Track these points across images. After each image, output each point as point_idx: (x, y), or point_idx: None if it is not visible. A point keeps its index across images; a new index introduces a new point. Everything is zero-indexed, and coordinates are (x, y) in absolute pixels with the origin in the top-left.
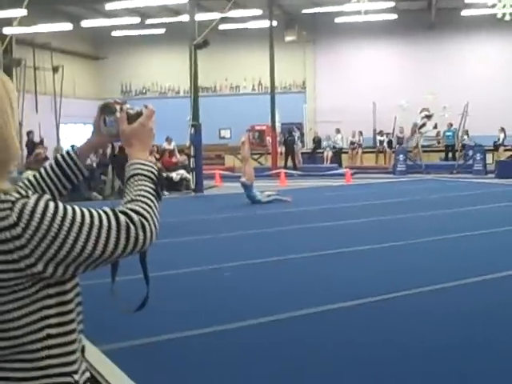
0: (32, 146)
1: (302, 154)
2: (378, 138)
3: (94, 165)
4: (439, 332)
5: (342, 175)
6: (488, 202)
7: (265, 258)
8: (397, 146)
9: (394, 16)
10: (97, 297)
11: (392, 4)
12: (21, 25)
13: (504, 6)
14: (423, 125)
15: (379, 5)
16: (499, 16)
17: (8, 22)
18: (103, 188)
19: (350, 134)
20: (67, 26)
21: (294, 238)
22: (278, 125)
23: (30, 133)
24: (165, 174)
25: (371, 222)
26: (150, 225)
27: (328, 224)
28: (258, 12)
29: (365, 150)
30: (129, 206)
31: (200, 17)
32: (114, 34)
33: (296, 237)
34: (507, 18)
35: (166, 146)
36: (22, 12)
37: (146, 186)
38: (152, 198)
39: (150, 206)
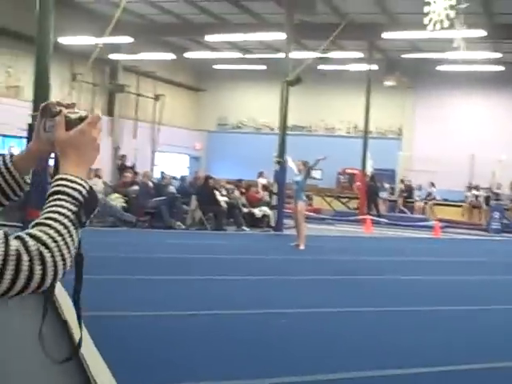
0: (123, 169)
1: (391, 201)
2: (474, 192)
3: (175, 192)
4: None
5: (431, 227)
6: None
7: (327, 308)
8: (493, 202)
9: (500, 68)
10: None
11: (499, 55)
12: (127, 52)
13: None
14: None
15: (484, 55)
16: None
17: (116, 48)
18: (186, 217)
19: (444, 185)
20: (171, 56)
21: (364, 288)
22: (370, 170)
23: (122, 157)
24: (246, 210)
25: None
26: (53, 256)
27: (405, 278)
28: (359, 55)
29: (457, 204)
30: (30, 230)
31: (298, 55)
32: (215, 67)
33: (365, 288)
34: (437, 26)
35: (260, 180)
36: (128, 39)
37: (63, 207)
38: (67, 223)
39: (59, 234)
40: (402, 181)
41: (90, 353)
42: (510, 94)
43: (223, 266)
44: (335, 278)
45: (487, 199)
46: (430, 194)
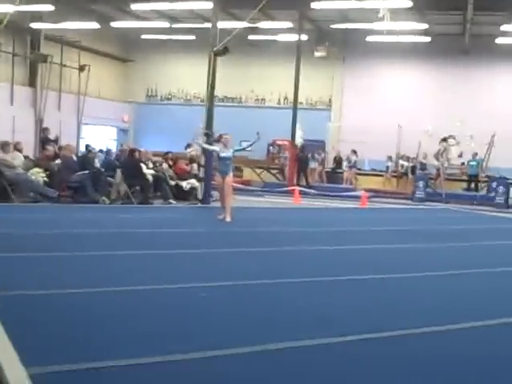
0: (46, 142)
1: (332, 172)
2: (401, 162)
3: (99, 166)
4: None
5: (358, 197)
6: (501, 238)
7: (242, 281)
8: (419, 172)
9: (427, 39)
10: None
11: (425, 26)
12: (50, 21)
13: None
14: (444, 150)
15: (412, 25)
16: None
17: (37, 17)
18: (110, 191)
19: (373, 155)
20: (95, 25)
21: (285, 260)
22: (300, 141)
23: (45, 129)
24: (173, 182)
25: (369, 249)
26: None
27: (326, 248)
28: (289, 25)
29: (394, 175)
30: None
31: (227, 25)
32: (144, 36)
33: (289, 259)
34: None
35: (190, 152)
36: (49, 7)
37: None
38: None
39: None
40: (354, 151)
41: None
42: (436, 65)
43: (144, 241)
44: (261, 249)
45: (413, 169)
46: (352, 162)
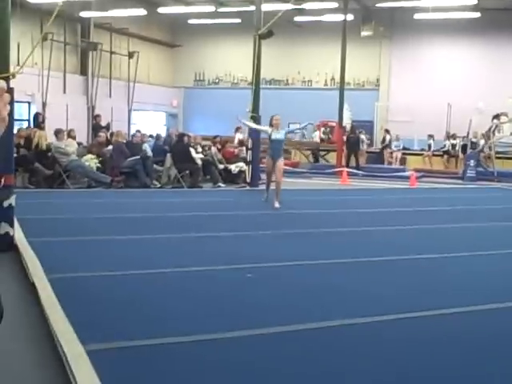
0: (97, 129)
1: (371, 153)
2: (451, 141)
3: (149, 152)
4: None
5: (408, 178)
6: None
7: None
8: (470, 150)
9: (477, 14)
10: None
11: (475, 1)
12: (98, 9)
13: None
14: (495, 128)
15: (459, 1)
16: None
17: (86, 5)
18: (161, 176)
19: (423, 134)
20: (143, 12)
21: (330, 240)
22: (348, 122)
23: (97, 116)
24: (222, 166)
25: (418, 229)
26: None
27: (372, 229)
28: (334, 5)
29: (436, 154)
30: None
31: (272, 7)
32: (190, 21)
33: (335, 240)
34: None
35: (237, 135)
36: None
37: None
38: None
39: None
40: (387, 130)
41: (54, 311)
42: (486, 41)
43: (195, 223)
44: (308, 231)
45: (464, 148)
46: (386, 142)
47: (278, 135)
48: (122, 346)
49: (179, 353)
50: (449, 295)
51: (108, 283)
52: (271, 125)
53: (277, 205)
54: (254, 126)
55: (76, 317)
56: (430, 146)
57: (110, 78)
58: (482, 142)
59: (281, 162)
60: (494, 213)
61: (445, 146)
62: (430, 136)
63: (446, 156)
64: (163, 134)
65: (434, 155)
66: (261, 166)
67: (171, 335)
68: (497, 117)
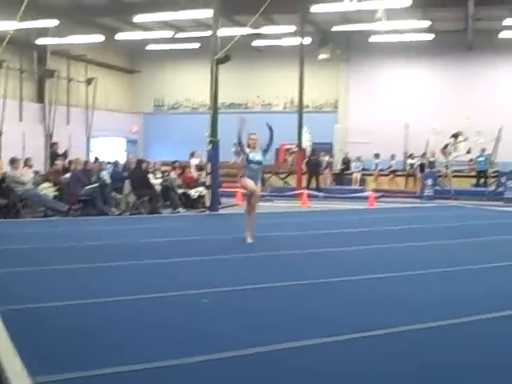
0: (54, 157)
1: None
2: (409, 161)
3: (108, 179)
4: None
5: (366, 198)
6: (506, 233)
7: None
8: (427, 170)
9: (431, 36)
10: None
11: (428, 23)
12: (55, 36)
13: None
14: (451, 145)
15: (414, 23)
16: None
17: (43, 32)
18: (120, 203)
19: (382, 155)
20: (101, 38)
21: (286, 263)
22: (308, 144)
23: (53, 144)
24: (181, 191)
25: (369, 250)
26: None
27: (331, 250)
28: (292, 29)
29: (395, 174)
30: None
31: (229, 32)
32: (149, 47)
33: (294, 261)
34: None
35: (192, 161)
36: (54, 22)
37: None
38: None
39: None
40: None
41: (2, 343)
42: (441, 62)
43: (150, 250)
44: (267, 254)
45: (421, 167)
46: (376, 165)
47: (257, 156)
48: (73, 377)
49: (133, 381)
50: (397, 313)
51: (60, 313)
52: (248, 145)
53: (249, 239)
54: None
55: (25, 348)
56: (376, 166)
57: (68, 105)
58: (442, 159)
59: (259, 187)
60: (451, 231)
61: (412, 165)
62: (376, 155)
63: (392, 175)
64: (123, 161)
65: (380, 175)
66: (220, 190)
67: (125, 364)
68: (455, 136)
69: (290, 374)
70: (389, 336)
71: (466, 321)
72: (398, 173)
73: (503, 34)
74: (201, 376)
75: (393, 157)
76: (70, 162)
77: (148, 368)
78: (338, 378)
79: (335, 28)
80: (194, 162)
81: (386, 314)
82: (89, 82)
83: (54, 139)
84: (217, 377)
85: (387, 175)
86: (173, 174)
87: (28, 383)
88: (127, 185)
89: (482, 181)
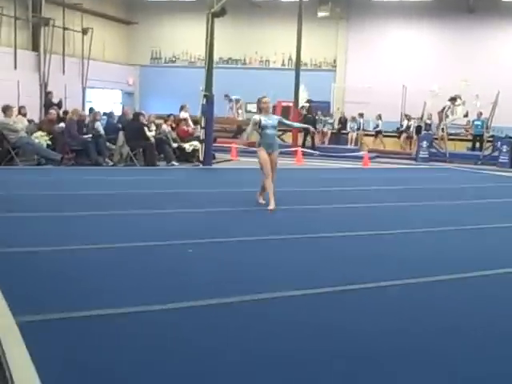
0: (49, 106)
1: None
2: (406, 122)
3: (102, 130)
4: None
5: (361, 158)
6: (495, 196)
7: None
8: (424, 132)
9: None
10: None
11: None
12: None
13: None
14: (448, 108)
15: None
16: None
17: None
18: (114, 154)
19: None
20: None
21: (275, 219)
22: (305, 102)
23: (48, 93)
24: (176, 145)
25: (359, 208)
26: None
27: (322, 207)
28: None
29: (391, 135)
30: None
31: None
32: None
33: (280, 217)
34: None
35: (181, 115)
36: None
37: None
38: None
39: None
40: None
41: None
42: (441, 25)
43: (141, 201)
44: (253, 209)
45: (418, 129)
46: (358, 124)
47: (270, 121)
48: (56, 318)
49: (112, 325)
50: (381, 269)
51: (47, 258)
52: (259, 109)
53: (272, 206)
54: (249, 128)
55: (10, 290)
56: (360, 125)
57: (63, 55)
58: (436, 121)
59: (276, 155)
60: (442, 192)
61: (409, 127)
62: (360, 115)
63: (379, 135)
64: (119, 113)
65: (389, 136)
66: (214, 145)
67: (106, 307)
68: (453, 99)
69: (268, 323)
70: (369, 290)
71: (446, 278)
72: (386, 133)
73: None
74: (179, 322)
75: (379, 117)
76: (66, 112)
77: (128, 312)
78: (313, 328)
79: None
80: (184, 115)
81: (369, 270)
82: (85, 31)
83: (49, 89)
84: (196, 324)
85: (374, 135)
86: (164, 127)
87: (11, 322)
88: (121, 136)
89: (477, 145)
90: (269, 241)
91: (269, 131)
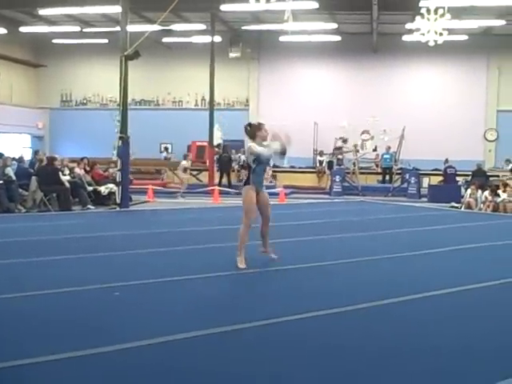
0: None
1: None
2: (318, 158)
3: (13, 176)
4: None
5: (277, 194)
6: (405, 226)
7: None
8: (336, 167)
9: (338, 38)
10: None
11: (335, 26)
12: None
13: (428, 32)
14: (340, 148)
15: (321, 25)
16: (430, 43)
17: None
18: (26, 200)
19: (292, 152)
20: (3, 31)
21: (190, 256)
22: (219, 141)
23: None
24: (91, 188)
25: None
26: None
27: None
28: (202, 27)
29: (305, 170)
30: None
31: (139, 28)
32: (55, 41)
33: (199, 255)
34: (431, 43)
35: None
36: None
37: None
38: None
39: None
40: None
41: None
42: (348, 63)
43: (53, 247)
44: (176, 249)
45: (330, 164)
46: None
47: (267, 151)
48: None
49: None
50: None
51: None
52: (252, 137)
53: (273, 255)
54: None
55: None
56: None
57: None
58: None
59: (266, 196)
60: (353, 225)
61: (321, 162)
62: None
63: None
64: (28, 157)
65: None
66: (131, 187)
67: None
68: (344, 141)
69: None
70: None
71: (357, 307)
72: (306, 170)
73: (406, 38)
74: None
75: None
76: None
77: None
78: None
79: (246, 27)
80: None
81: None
82: None
83: None
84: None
85: (292, 172)
86: (77, 170)
87: None
88: (34, 181)
89: (387, 177)
90: (194, 280)
91: (263, 166)
